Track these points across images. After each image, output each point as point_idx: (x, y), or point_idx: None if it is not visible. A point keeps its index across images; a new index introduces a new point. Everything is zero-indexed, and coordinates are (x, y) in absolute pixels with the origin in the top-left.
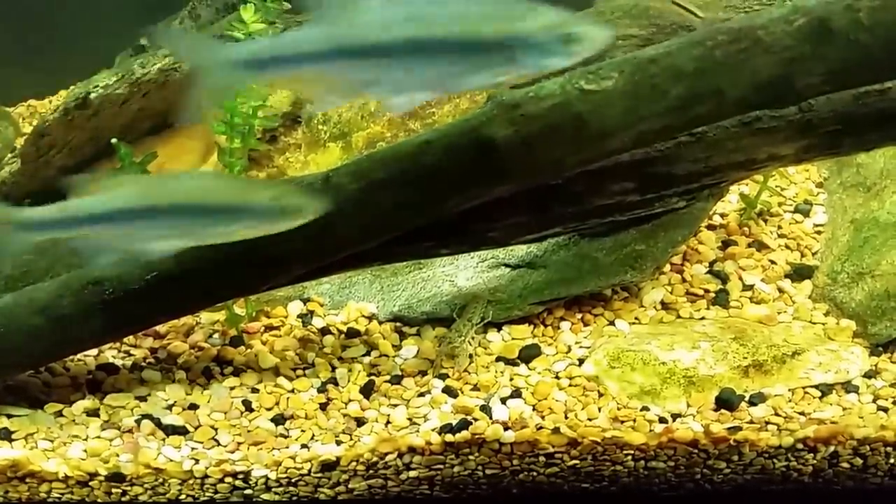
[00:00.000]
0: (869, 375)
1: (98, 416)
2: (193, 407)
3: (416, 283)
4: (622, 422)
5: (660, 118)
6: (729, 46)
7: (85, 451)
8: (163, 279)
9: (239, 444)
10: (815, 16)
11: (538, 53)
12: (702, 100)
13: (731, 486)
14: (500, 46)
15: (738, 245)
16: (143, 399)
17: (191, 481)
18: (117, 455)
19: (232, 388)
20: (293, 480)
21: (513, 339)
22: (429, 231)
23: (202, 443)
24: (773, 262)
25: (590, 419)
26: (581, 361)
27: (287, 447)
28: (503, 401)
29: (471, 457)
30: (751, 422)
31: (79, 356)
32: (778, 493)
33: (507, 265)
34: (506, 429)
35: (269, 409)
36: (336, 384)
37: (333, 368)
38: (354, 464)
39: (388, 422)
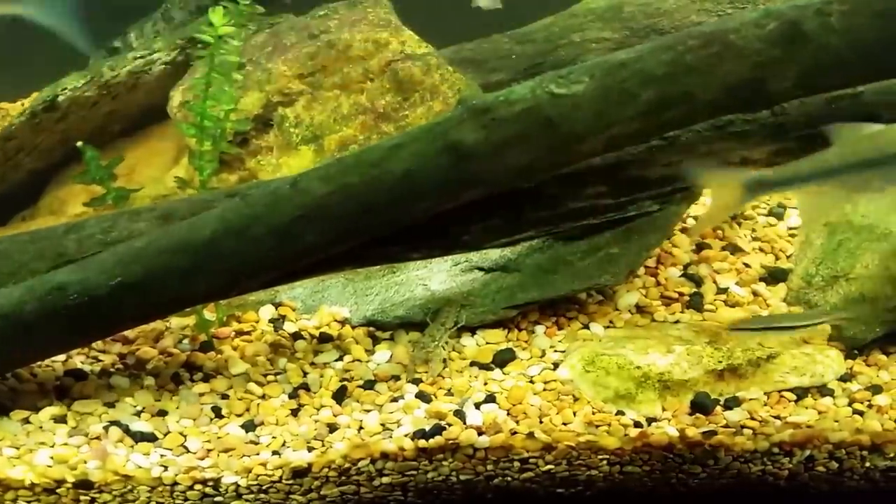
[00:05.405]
0: (844, 379)
1: (66, 422)
2: (162, 413)
3: (389, 287)
4: (597, 426)
5: (630, 122)
6: (700, 51)
7: (52, 458)
8: (128, 285)
9: (209, 450)
10: (787, 20)
11: None
12: (672, 104)
13: (707, 490)
14: None
15: (712, 248)
16: (111, 405)
17: (160, 488)
18: (85, 462)
19: (202, 395)
20: (264, 487)
21: (487, 343)
22: (400, 235)
23: (171, 449)
24: (747, 265)
25: (564, 424)
26: (556, 365)
27: (258, 454)
28: (477, 406)
29: (444, 462)
30: (726, 426)
31: (46, 362)
32: (754, 497)
33: (480, 269)
34: (480, 434)
35: (239, 416)
36: (308, 390)
37: (305, 374)
38: (326, 470)
39: (360, 427)
